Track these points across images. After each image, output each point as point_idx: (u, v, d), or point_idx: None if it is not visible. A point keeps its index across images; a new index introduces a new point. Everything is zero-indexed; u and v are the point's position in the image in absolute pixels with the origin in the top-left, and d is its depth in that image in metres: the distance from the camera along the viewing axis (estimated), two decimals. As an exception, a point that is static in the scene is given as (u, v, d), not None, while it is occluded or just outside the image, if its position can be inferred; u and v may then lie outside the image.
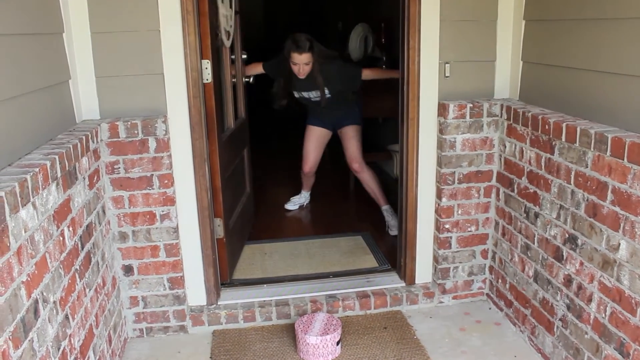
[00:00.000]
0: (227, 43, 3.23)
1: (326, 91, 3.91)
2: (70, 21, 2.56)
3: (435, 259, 3.14)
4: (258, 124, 6.31)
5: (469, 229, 3.06)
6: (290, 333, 2.90)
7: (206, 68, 2.80)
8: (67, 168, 2.03)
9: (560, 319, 2.48)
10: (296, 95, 4.06)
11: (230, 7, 3.32)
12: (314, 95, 3.98)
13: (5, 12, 1.92)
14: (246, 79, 3.86)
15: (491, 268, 3.12)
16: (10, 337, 1.49)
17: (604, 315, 2.17)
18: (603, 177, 2.11)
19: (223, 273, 3.16)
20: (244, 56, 3.77)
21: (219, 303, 3.05)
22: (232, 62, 3.48)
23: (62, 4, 2.48)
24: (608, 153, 2.07)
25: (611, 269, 2.11)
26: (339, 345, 2.73)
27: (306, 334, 2.68)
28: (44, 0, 2.31)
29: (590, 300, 2.25)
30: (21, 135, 1.98)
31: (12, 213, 1.54)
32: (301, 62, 3.71)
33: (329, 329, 2.72)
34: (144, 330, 2.91)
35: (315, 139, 4.30)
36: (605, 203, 2.11)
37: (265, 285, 3.25)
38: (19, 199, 1.59)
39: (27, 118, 2.06)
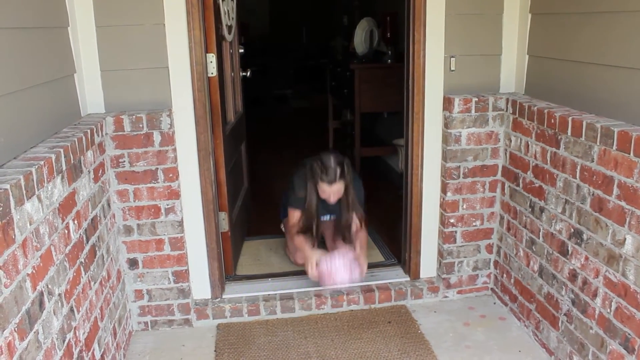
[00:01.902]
0: (229, 37, 3.22)
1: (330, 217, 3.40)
2: (76, 15, 2.56)
3: (440, 254, 3.14)
4: (257, 119, 6.32)
5: (473, 224, 3.05)
6: (295, 327, 2.91)
7: (211, 62, 2.80)
8: (72, 161, 2.03)
9: (565, 314, 2.47)
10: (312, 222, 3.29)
11: (232, 0, 3.31)
12: (329, 217, 3.43)
13: (11, 6, 1.92)
14: (243, 73, 3.85)
15: (496, 263, 3.11)
16: (16, 329, 1.50)
17: (609, 310, 2.16)
18: (609, 171, 2.10)
19: (227, 267, 3.17)
20: (241, 50, 3.76)
21: (223, 297, 3.06)
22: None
23: (67, -2, 2.48)
24: (614, 147, 2.06)
25: (616, 264, 2.10)
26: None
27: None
28: (49, -7, 2.31)
29: (595, 295, 2.24)
30: (26, 128, 1.99)
31: (17, 206, 1.54)
32: (332, 192, 3.04)
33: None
34: (149, 323, 2.93)
35: None
36: (611, 198, 2.10)
37: (269, 279, 3.26)
38: (24, 191, 1.59)
39: (33, 111, 2.06)
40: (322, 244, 3.45)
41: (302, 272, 3.32)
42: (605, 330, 2.19)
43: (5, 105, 1.84)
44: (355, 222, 3.20)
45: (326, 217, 3.41)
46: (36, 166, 1.70)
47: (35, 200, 1.68)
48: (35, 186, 1.68)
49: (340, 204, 3.21)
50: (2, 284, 1.43)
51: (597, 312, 2.24)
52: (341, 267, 2.94)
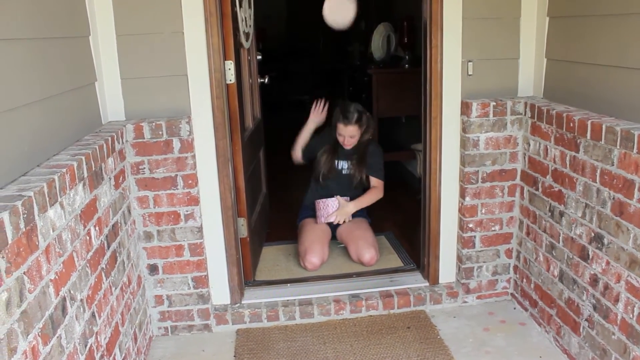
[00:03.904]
0: (246, 45, 3.25)
1: (348, 165, 3.65)
2: (96, 24, 2.60)
3: (459, 259, 3.12)
4: (275, 124, 6.31)
5: (492, 228, 3.03)
6: (314, 332, 2.91)
7: (229, 69, 2.83)
8: (93, 169, 2.06)
9: (586, 319, 2.44)
10: (325, 168, 3.67)
11: (250, 7, 3.34)
12: (347, 166, 3.66)
13: (34, 17, 1.96)
14: (261, 80, 3.87)
15: (515, 267, 3.09)
16: (40, 334, 1.53)
17: (631, 315, 2.13)
18: (629, 175, 2.08)
19: (247, 272, 3.19)
20: (259, 57, 3.79)
21: (242, 302, 3.07)
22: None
23: (88, 8, 2.52)
24: (635, 150, 2.03)
25: (639, 269, 2.07)
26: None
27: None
28: (71, 4, 2.35)
29: (617, 300, 2.21)
30: (49, 136, 2.02)
31: (41, 212, 1.57)
32: (347, 135, 3.51)
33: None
34: (169, 328, 2.95)
35: (319, 229, 3.63)
36: (632, 201, 2.08)
37: (288, 284, 3.26)
38: (47, 198, 1.62)
39: (55, 120, 2.10)
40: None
41: (321, 278, 3.33)
42: (628, 335, 2.16)
43: (29, 114, 1.88)
44: (372, 185, 3.67)
45: (342, 164, 3.67)
46: (59, 174, 1.73)
47: (57, 207, 1.71)
48: (58, 193, 1.71)
49: (355, 159, 3.61)
50: (26, 289, 1.46)
51: (619, 317, 2.21)
52: (332, 203, 3.57)
